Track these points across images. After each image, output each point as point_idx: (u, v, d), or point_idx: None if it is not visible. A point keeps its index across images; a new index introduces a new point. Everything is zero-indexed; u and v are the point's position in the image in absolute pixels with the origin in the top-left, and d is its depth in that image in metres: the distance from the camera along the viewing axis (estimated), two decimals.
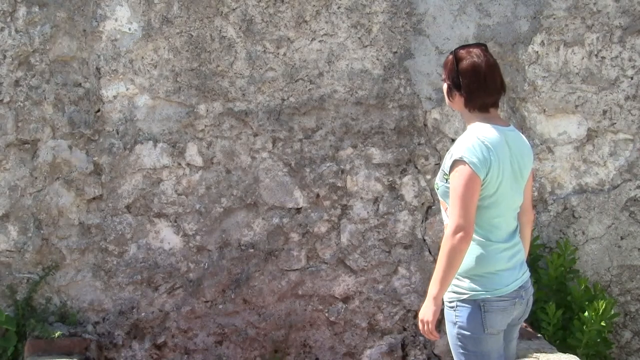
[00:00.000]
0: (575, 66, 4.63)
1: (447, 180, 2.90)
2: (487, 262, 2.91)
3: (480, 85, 2.93)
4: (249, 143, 4.51)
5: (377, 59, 4.54)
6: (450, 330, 2.93)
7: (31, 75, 4.41)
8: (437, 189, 2.98)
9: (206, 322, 4.56)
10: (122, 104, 4.45)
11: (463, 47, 3.00)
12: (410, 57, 4.56)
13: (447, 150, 4.57)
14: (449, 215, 2.85)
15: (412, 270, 4.66)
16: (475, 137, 2.87)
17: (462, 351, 2.93)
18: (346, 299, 4.63)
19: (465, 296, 2.90)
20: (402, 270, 4.66)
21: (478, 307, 2.89)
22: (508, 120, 4.56)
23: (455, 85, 2.96)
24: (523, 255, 3.05)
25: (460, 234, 2.79)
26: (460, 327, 2.91)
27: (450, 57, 2.99)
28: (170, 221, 4.50)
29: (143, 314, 4.53)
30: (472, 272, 2.89)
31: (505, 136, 2.93)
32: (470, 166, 2.81)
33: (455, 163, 2.85)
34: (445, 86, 3.03)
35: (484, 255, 2.90)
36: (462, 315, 2.91)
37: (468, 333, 2.90)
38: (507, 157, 2.92)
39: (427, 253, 4.66)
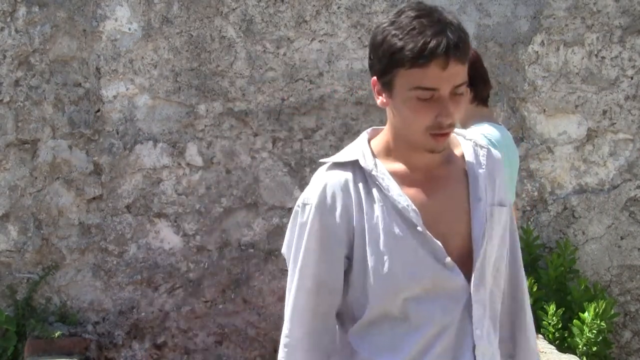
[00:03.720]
0: (575, 66, 4.62)
1: None
2: None
3: (485, 74, 3.00)
4: (249, 143, 4.51)
5: None
6: None
7: (31, 75, 4.41)
8: None
9: (206, 322, 4.56)
10: (122, 104, 4.45)
11: None
12: None
13: None
14: None
15: None
16: (480, 135, 2.88)
17: None
18: None
19: None
20: None
21: None
22: (508, 120, 4.57)
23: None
24: None
25: None
26: None
27: None
28: (170, 221, 4.50)
29: (143, 314, 4.53)
30: None
31: (503, 134, 2.96)
32: None
33: None
34: None
35: None
36: None
37: None
38: (507, 154, 2.94)
39: None
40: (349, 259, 1.70)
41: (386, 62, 1.70)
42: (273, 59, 4.50)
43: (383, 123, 4.78)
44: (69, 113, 4.43)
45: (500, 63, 4.59)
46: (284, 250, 1.82)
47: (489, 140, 2.88)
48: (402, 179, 1.71)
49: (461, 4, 4.56)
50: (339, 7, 4.51)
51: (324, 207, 1.69)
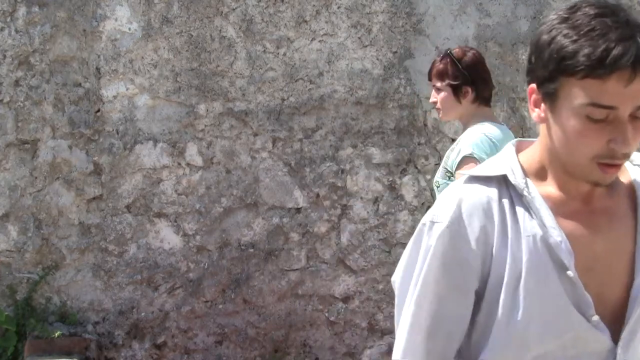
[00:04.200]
0: None
1: (449, 177, 2.91)
2: None
3: (486, 74, 3.02)
4: (249, 143, 4.51)
5: (377, 59, 4.54)
6: None
7: (31, 75, 4.41)
8: (437, 187, 2.99)
9: (206, 322, 4.56)
10: (122, 104, 4.46)
11: (449, 50, 3.07)
12: (410, 57, 4.56)
13: (447, 149, 4.57)
14: None
15: None
16: (481, 134, 2.90)
17: None
18: (346, 299, 4.63)
19: None
20: None
21: None
22: (508, 120, 4.57)
23: (465, 82, 2.98)
24: None
25: None
26: None
27: (447, 59, 3.02)
28: (170, 221, 4.50)
29: (143, 313, 4.53)
30: None
31: (504, 134, 2.97)
32: (479, 162, 2.82)
33: (464, 160, 2.86)
34: (449, 90, 3.02)
35: None
36: None
37: None
38: None
39: None
40: (479, 294, 1.38)
41: (552, 67, 1.31)
42: (273, 59, 4.50)
43: (383, 123, 4.73)
44: (69, 113, 4.43)
45: (500, 63, 4.59)
46: (396, 278, 1.46)
47: (490, 139, 2.89)
48: (556, 207, 1.37)
49: (461, 4, 4.56)
50: (339, 7, 4.51)
51: (458, 228, 1.37)
